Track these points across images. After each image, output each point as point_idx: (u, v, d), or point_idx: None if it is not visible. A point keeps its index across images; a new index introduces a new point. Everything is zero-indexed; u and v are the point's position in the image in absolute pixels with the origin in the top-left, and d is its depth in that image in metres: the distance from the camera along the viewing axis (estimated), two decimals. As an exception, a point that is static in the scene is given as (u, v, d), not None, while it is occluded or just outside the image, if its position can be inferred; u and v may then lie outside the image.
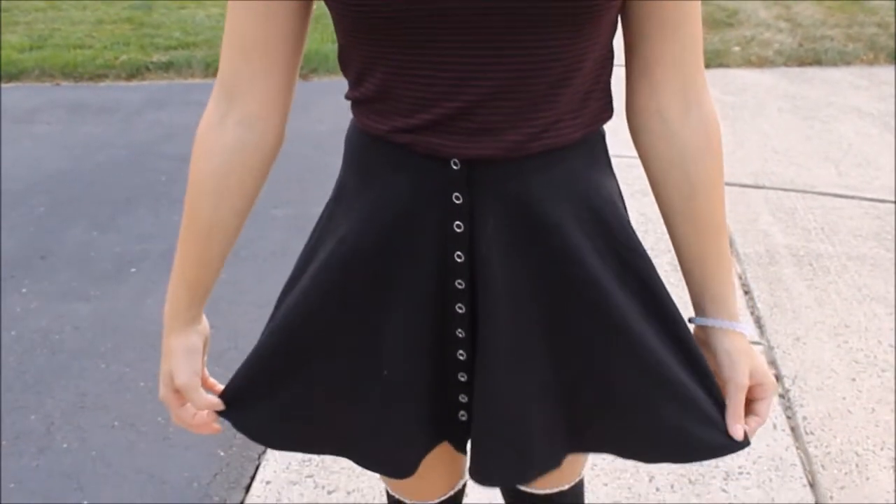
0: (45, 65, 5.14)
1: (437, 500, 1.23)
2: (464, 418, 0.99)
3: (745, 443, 0.93)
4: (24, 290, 2.80)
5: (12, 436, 2.17)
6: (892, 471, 2.03)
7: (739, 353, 0.93)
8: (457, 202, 0.85)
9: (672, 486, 1.96)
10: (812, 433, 2.14)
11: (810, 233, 3.13)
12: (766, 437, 2.11)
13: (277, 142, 0.92)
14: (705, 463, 2.02)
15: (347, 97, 0.91)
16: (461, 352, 0.93)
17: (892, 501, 1.93)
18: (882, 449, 2.09)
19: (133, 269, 2.94)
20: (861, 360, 2.43)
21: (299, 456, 2.01)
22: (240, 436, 2.15)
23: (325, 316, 0.92)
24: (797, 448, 2.10)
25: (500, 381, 0.90)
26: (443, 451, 1.04)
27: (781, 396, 2.28)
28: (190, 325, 0.96)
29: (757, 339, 2.52)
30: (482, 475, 0.95)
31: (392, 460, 0.98)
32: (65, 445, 2.14)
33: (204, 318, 1.00)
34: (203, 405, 0.97)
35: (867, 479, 2.00)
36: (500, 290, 0.87)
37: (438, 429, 0.98)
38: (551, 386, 0.92)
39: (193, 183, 0.90)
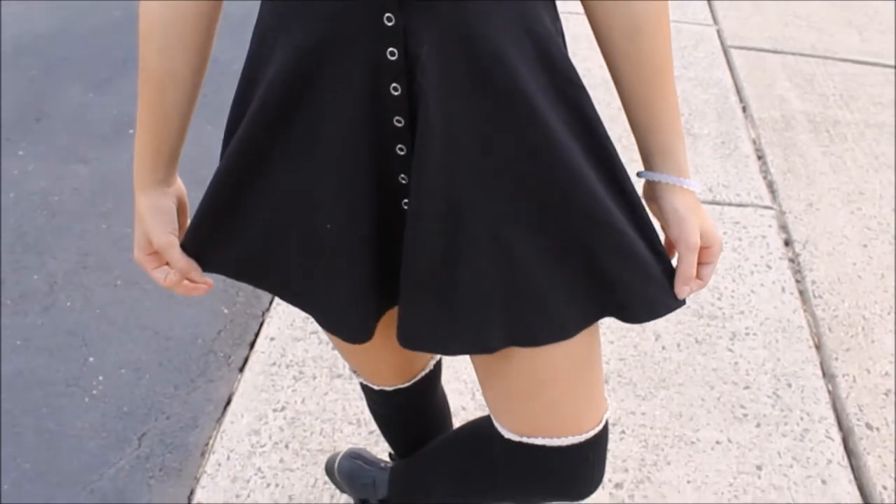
0: (31, -78, 4.89)
1: (402, 385, 1.18)
2: None
3: (682, 302, 0.90)
4: (20, 153, 2.74)
5: (16, 295, 2.16)
6: (898, 334, 2.02)
7: (688, 211, 0.88)
8: (389, 24, 0.76)
9: (678, 345, 1.95)
10: (820, 297, 2.13)
11: (828, 99, 3.03)
12: (774, 299, 2.10)
13: None
14: (712, 323, 2.02)
15: None
16: (406, 202, 0.85)
17: (897, 363, 1.94)
18: (889, 313, 2.08)
19: (131, 131, 2.87)
20: (874, 226, 2.39)
21: (303, 313, 2.01)
22: (243, 294, 2.16)
23: (264, 157, 0.85)
24: (805, 311, 2.09)
25: (430, 233, 0.82)
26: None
27: (791, 261, 2.25)
28: (158, 186, 0.92)
29: (769, 203, 2.48)
30: (402, 335, 0.89)
31: (345, 321, 0.91)
32: (68, 304, 2.14)
33: (178, 181, 0.96)
34: (182, 265, 0.93)
35: (872, 342, 2.00)
36: (439, 131, 0.79)
37: (387, 291, 0.91)
38: (488, 245, 0.84)
39: (140, 34, 0.86)
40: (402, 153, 0.82)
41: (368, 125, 0.80)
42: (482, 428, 1.06)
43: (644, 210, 0.88)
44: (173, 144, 0.91)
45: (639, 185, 0.93)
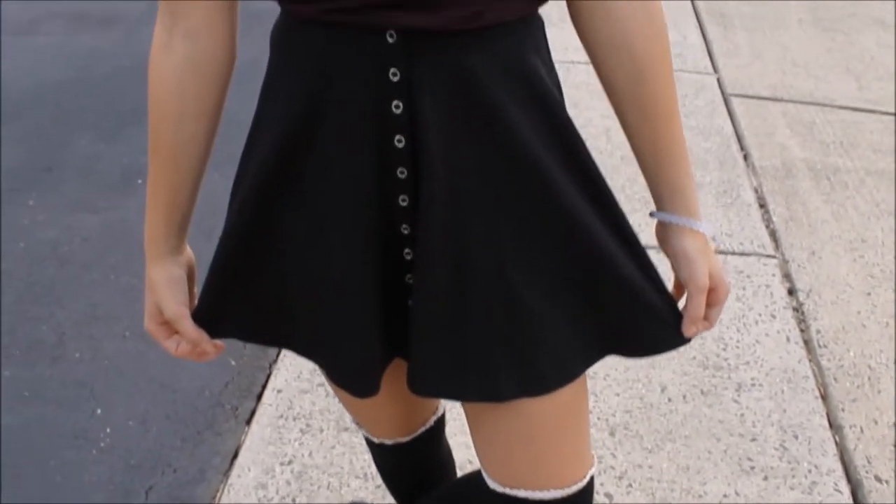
0: (43, -26, 4.98)
1: (402, 439, 1.18)
2: None
3: (686, 340, 0.92)
4: (30, 203, 2.77)
5: (25, 346, 2.18)
6: (904, 384, 2.02)
7: (697, 252, 0.90)
8: (394, 79, 0.79)
9: (684, 397, 1.96)
10: (825, 346, 2.13)
11: (828, 147, 3.06)
12: (779, 349, 2.11)
13: (228, 56, 0.88)
14: (717, 374, 2.02)
15: None
16: (407, 250, 0.88)
17: (904, 413, 1.94)
18: (894, 362, 2.09)
19: (140, 181, 2.91)
20: (877, 274, 2.41)
21: (310, 365, 2.02)
22: (250, 346, 2.17)
23: (269, 214, 0.87)
24: (810, 361, 2.09)
25: (439, 281, 0.84)
26: (401, 374, 0.98)
27: (795, 310, 2.26)
28: (170, 255, 0.93)
29: (772, 251, 2.49)
30: (413, 381, 0.90)
31: (353, 376, 0.92)
32: (77, 355, 2.15)
33: (187, 248, 0.97)
34: (194, 337, 0.94)
35: (879, 391, 2.00)
36: (442, 180, 0.81)
37: (393, 341, 0.93)
38: (494, 290, 0.86)
39: (151, 107, 0.87)
40: (404, 204, 0.84)
41: (372, 176, 0.82)
42: (472, 480, 1.07)
43: (641, 246, 0.90)
44: (185, 210, 0.93)
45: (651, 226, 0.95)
